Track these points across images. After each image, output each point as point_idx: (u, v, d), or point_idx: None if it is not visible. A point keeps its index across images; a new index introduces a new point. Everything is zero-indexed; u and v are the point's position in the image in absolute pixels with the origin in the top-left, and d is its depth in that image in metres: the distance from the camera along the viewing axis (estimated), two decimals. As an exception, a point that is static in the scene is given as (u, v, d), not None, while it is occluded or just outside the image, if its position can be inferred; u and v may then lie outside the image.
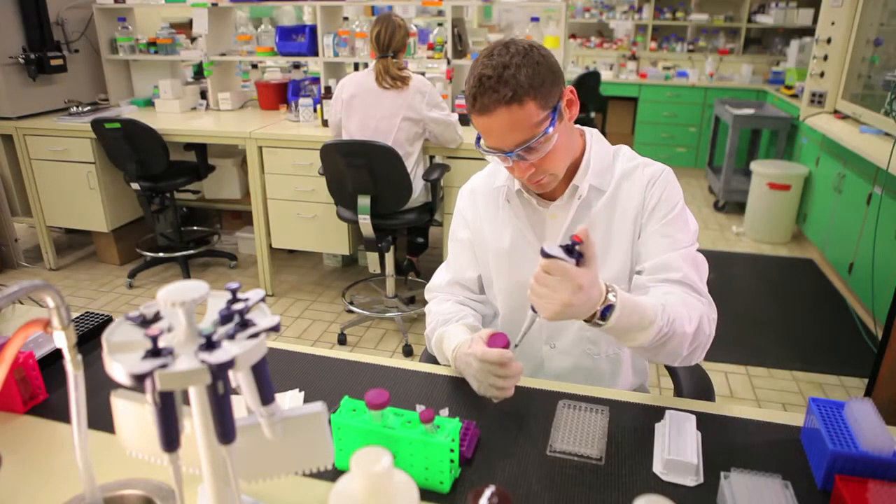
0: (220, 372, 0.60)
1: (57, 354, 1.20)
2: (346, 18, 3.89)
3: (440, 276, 1.38)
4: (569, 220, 1.21)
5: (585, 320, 0.97)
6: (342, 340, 3.07)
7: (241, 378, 0.68)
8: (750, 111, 4.82)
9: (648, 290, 1.12)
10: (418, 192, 2.87)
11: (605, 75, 6.00)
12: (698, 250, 1.18)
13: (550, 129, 1.07)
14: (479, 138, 1.14)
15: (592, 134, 1.25)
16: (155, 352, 0.60)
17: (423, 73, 3.70)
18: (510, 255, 1.27)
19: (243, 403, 0.71)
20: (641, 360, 1.38)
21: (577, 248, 0.90)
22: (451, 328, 1.22)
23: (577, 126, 1.25)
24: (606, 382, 1.33)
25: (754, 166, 4.35)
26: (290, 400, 1.12)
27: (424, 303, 1.40)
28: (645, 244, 1.19)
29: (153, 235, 3.94)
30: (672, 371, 1.42)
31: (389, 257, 3.08)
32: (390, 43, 2.77)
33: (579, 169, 1.21)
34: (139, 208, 3.63)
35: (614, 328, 0.97)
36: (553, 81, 1.08)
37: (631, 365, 1.35)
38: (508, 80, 1.03)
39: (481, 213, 1.32)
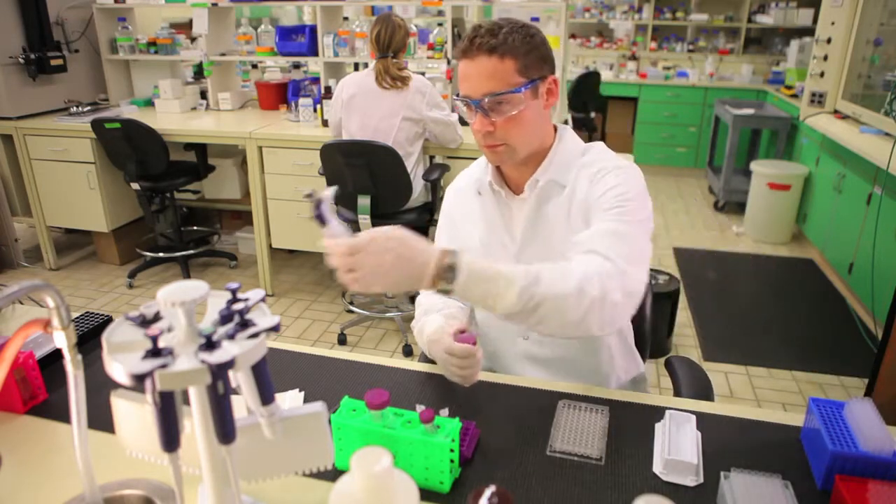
0: (220, 372, 0.60)
1: (57, 354, 1.20)
2: (346, 18, 3.89)
3: None
4: (526, 213, 1.23)
5: (434, 288, 0.92)
6: (342, 340, 3.07)
7: (241, 378, 0.68)
8: (750, 111, 4.82)
9: None
10: (418, 192, 2.87)
11: (605, 75, 6.01)
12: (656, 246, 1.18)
13: (521, 91, 1.11)
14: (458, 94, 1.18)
15: (565, 131, 1.26)
16: (155, 352, 0.60)
17: (423, 73, 3.70)
18: (481, 248, 1.29)
19: (243, 403, 0.71)
20: (630, 348, 1.37)
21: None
22: (430, 318, 1.24)
23: (558, 125, 1.27)
24: (595, 371, 1.31)
25: (754, 166, 4.35)
26: (290, 400, 1.12)
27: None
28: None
29: (153, 235, 3.94)
30: (672, 371, 1.42)
31: (389, 257, 3.07)
32: (390, 43, 2.77)
33: (543, 162, 1.22)
34: (139, 208, 3.63)
35: (466, 292, 0.93)
36: (539, 59, 1.13)
37: (620, 351, 1.33)
38: (497, 34, 1.09)
39: (458, 209, 1.35)
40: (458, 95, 1.16)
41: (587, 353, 1.31)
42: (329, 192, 0.90)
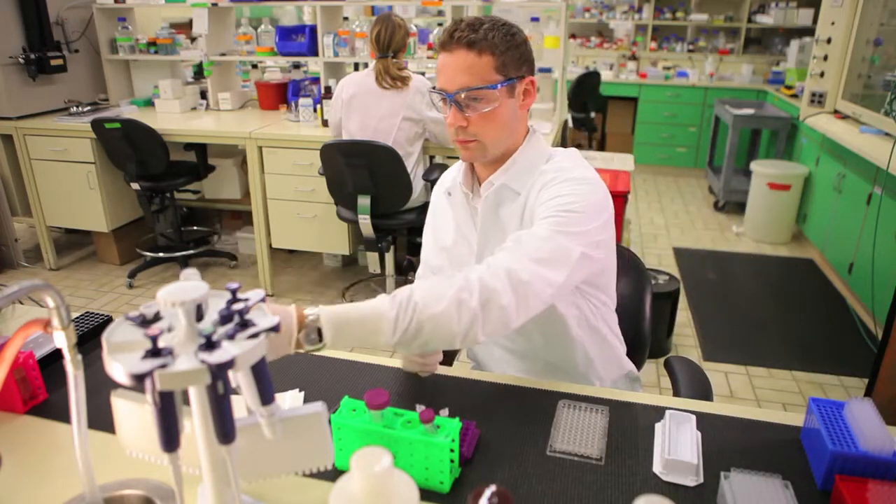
0: (219, 372, 0.60)
1: (57, 354, 1.20)
2: (346, 18, 3.89)
3: (419, 269, 1.45)
4: (479, 216, 1.23)
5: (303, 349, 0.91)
6: (342, 340, 3.07)
7: (241, 378, 0.68)
8: (750, 111, 4.82)
9: None
10: (418, 192, 2.87)
11: (605, 75, 6.01)
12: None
13: (497, 88, 1.11)
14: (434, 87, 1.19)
15: (534, 135, 1.23)
16: (155, 352, 0.60)
17: (423, 73, 3.70)
18: (453, 247, 1.31)
19: (243, 403, 0.71)
20: (608, 345, 1.32)
21: None
22: None
23: (532, 127, 1.24)
24: (572, 369, 1.29)
25: (754, 166, 4.35)
26: (290, 400, 1.12)
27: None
28: None
29: (153, 235, 3.94)
30: (672, 371, 1.42)
31: (389, 257, 3.08)
32: (390, 43, 2.77)
33: (504, 165, 1.20)
34: (139, 208, 3.63)
35: (339, 342, 0.91)
36: (518, 59, 1.14)
37: (596, 352, 1.29)
38: (478, 30, 1.10)
39: (440, 209, 1.37)
40: (434, 88, 1.16)
41: (555, 349, 1.28)
42: None
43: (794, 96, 4.77)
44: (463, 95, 1.11)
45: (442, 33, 1.13)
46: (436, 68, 1.16)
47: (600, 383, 1.33)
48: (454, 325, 0.94)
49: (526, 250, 1.02)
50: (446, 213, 1.34)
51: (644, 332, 1.49)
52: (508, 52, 1.11)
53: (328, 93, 3.31)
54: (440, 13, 5.35)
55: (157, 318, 0.67)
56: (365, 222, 2.81)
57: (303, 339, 0.90)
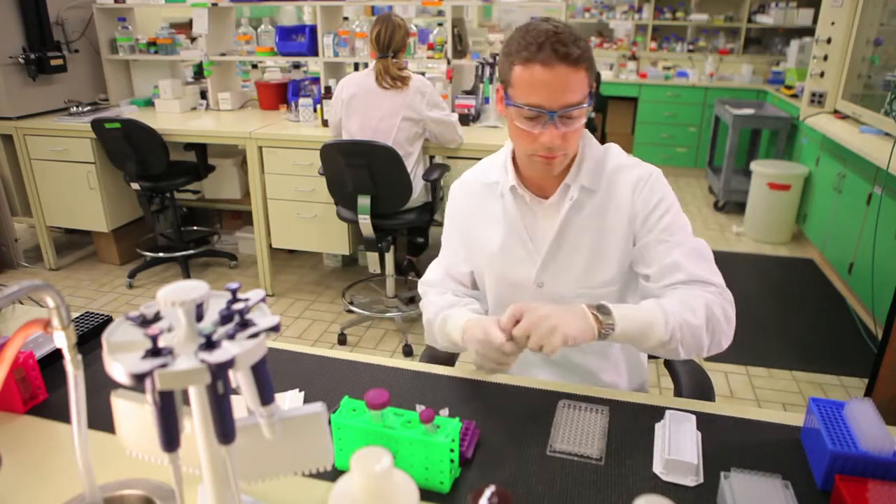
0: (219, 372, 0.60)
1: (57, 354, 1.20)
2: (346, 18, 3.89)
3: (433, 272, 1.38)
4: (559, 222, 1.21)
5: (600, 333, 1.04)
6: (342, 340, 3.07)
7: (240, 378, 0.68)
8: (750, 111, 4.82)
9: (660, 297, 1.14)
10: (418, 192, 2.87)
11: (606, 75, 6.00)
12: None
13: (589, 104, 1.09)
14: (505, 94, 1.12)
15: (585, 133, 1.25)
16: (155, 351, 0.60)
17: (423, 73, 3.70)
18: (502, 252, 1.27)
19: (243, 403, 0.71)
20: (637, 357, 1.37)
21: None
22: (455, 310, 1.22)
23: None
24: (599, 377, 1.32)
25: (754, 166, 4.35)
26: (290, 400, 1.12)
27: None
28: (645, 251, 1.19)
29: (153, 235, 3.94)
30: (672, 371, 1.42)
31: (389, 257, 3.08)
32: (390, 43, 2.77)
33: (572, 167, 1.20)
34: (139, 208, 3.63)
35: (623, 336, 1.05)
36: (594, 67, 1.12)
37: (625, 363, 1.34)
38: (578, 42, 1.06)
39: (471, 210, 1.31)
40: (512, 101, 1.10)
41: (596, 358, 1.31)
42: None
43: (794, 96, 4.77)
44: (562, 112, 1.07)
45: (526, 47, 1.06)
46: (516, 79, 1.08)
47: (626, 387, 1.34)
48: (703, 338, 1.10)
49: (710, 270, 1.18)
50: (493, 216, 1.27)
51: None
52: (592, 64, 1.09)
53: (328, 93, 3.31)
54: (440, 13, 5.35)
55: (157, 318, 0.67)
56: (365, 222, 2.81)
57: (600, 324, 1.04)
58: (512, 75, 1.09)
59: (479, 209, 1.30)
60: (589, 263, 1.22)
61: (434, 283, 1.36)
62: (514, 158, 1.25)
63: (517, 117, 1.10)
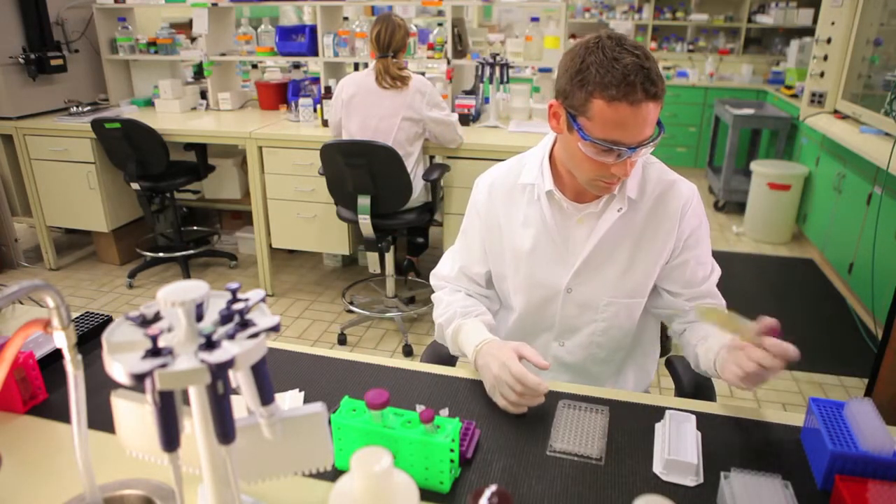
0: (219, 372, 0.60)
1: (57, 354, 1.20)
2: (346, 18, 3.89)
3: (448, 265, 1.37)
4: (602, 231, 1.20)
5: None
6: (342, 340, 3.07)
7: (240, 378, 0.68)
8: (750, 111, 4.82)
9: (687, 312, 1.21)
10: (418, 192, 2.87)
11: (605, 75, 5.99)
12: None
13: (661, 134, 1.07)
14: (574, 121, 1.05)
15: None
16: (155, 351, 0.60)
17: (423, 73, 3.70)
18: (532, 255, 1.26)
19: (243, 403, 0.71)
20: (645, 366, 1.39)
21: None
22: (470, 322, 1.22)
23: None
24: (610, 380, 1.35)
25: (754, 166, 4.35)
26: (290, 400, 1.12)
27: (424, 303, 1.41)
28: (682, 268, 1.22)
29: (153, 235, 3.94)
30: (672, 371, 1.42)
31: (389, 257, 3.07)
32: (390, 43, 2.77)
33: None
34: (139, 208, 3.63)
35: None
36: None
37: (633, 371, 1.36)
38: (660, 75, 1.02)
39: (499, 209, 1.29)
40: (589, 136, 1.04)
41: (609, 363, 1.33)
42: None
43: (794, 96, 4.77)
44: (642, 146, 1.05)
45: (613, 84, 0.99)
46: (596, 114, 1.02)
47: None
48: None
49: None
50: (527, 218, 1.25)
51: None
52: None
53: (328, 93, 3.31)
54: (440, 13, 5.34)
55: (157, 318, 0.67)
56: (365, 222, 2.81)
57: None
58: (590, 108, 1.02)
59: (509, 210, 1.28)
60: (623, 273, 1.22)
61: (448, 279, 1.36)
62: (551, 160, 1.23)
63: (589, 148, 1.05)
